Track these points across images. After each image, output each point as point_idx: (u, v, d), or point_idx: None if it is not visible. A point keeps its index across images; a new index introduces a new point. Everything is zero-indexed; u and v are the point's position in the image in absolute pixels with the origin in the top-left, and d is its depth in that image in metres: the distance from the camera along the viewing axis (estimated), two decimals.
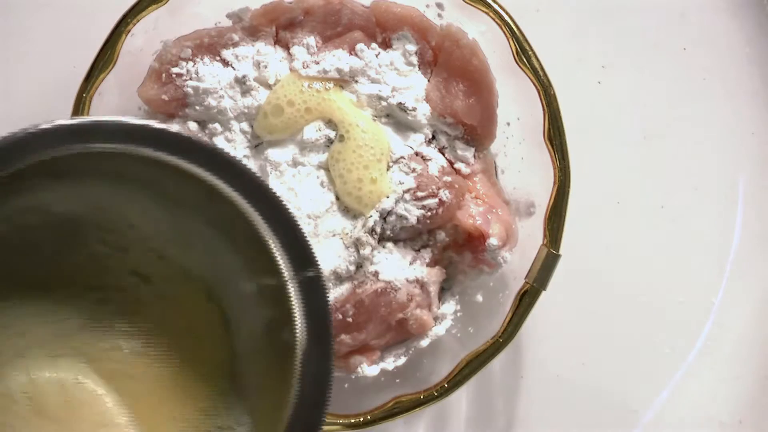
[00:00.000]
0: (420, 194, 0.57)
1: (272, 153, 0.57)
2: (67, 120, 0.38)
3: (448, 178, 0.58)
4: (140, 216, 0.43)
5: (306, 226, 0.56)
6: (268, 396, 0.41)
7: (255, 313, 0.43)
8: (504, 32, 0.57)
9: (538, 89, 0.57)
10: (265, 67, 0.57)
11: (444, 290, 0.61)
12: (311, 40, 0.58)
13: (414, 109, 0.58)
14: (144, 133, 0.38)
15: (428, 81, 0.59)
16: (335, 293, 0.57)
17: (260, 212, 0.39)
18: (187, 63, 0.57)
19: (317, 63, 0.57)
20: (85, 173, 0.41)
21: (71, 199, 0.42)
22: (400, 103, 0.57)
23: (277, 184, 0.57)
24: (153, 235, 0.44)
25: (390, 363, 0.59)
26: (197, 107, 0.57)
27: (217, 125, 0.58)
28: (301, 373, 0.39)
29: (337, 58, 0.57)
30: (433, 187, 0.57)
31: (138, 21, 0.55)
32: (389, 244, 0.58)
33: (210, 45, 0.58)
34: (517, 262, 0.59)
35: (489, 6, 0.57)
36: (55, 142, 0.37)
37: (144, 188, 0.42)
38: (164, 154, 0.38)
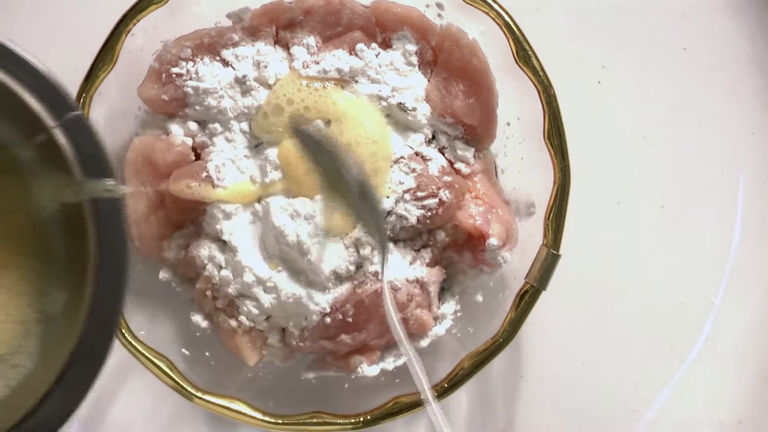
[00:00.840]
0: (420, 194, 0.57)
1: (272, 153, 0.57)
2: None
3: (448, 178, 0.58)
4: None
5: (306, 227, 0.56)
6: (75, 263, 0.43)
7: (42, 177, 0.44)
8: (504, 32, 0.57)
9: (538, 89, 0.57)
10: (265, 67, 0.57)
11: (444, 290, 0.61)
12: (311, 40, 0.58)
13: (414, 109, 0.58)
14: None
15: (428, 81, 0.59)
16: (335, 293, 0.57)
17: (8, 72, 0.41)
18: (187, 63, 0.57)
19: (317, 63, 0.57)
20: None
21: None
22: (400, 103, 0.57)
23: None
24: None
25: (390, 363, 0.59)
26: (197, 107, 0.57)
27: (217, 125, 0.58)
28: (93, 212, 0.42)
29: (337, 58, 0.57)
30: (433, 187, 0.57)
31: (138, 21, 0.55)
32: (389, 244, 0.58)
33: (210, 45, 0.58)
34: (517, 262, 0.59)
35: (489, 6, 0.57)
36: None
37: None
38: None
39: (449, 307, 0.61)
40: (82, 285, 0.42)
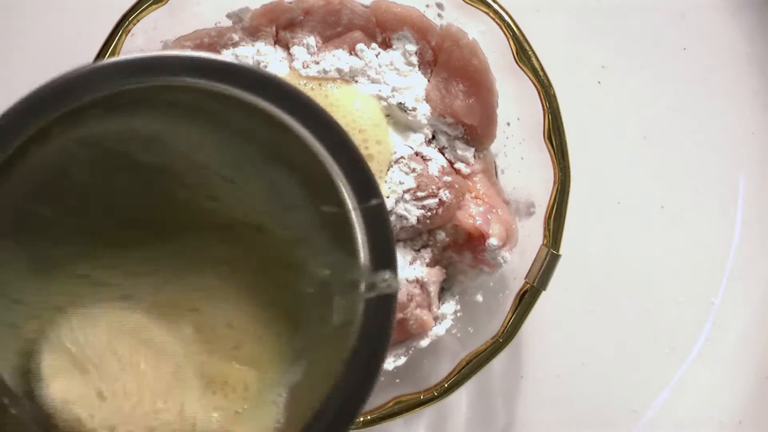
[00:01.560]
0: (420, 194, 0.57)
1: None
2: (130, 55, 0.37)
3: (448, 178, 0.58)
4: (204, 151, 0.42)
5: None
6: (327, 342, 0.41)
7: (325, 254, 0.43)
8: (504, 32, 0.57)
9: (538, 89, 0.57)
10: (265, 67, 0.57)
11: (444, 290, 0.61)
12: (311, 40, 0.58)
13: (414, 109, 0.58)
14: (210, 65, 0.38)
15: (428, 81, 0.59)
16: None
17: (323, 143, 0.39)
18: None
19: (317, 63, 0.57)
20: (151, 105, 0.40)
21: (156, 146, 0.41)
22: (400, 103, 0.57)
23: None
24: (217, 168, 0.43)
25: (390, 363, 0.59)
26: None
27: None
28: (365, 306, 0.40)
29: (337, 58, 0.57)
30: (433, 187, 0.57)
31: (138, 21, 0.55)
32: None
33: (210, 45, 0.58)
34: (517, 262, 0.59)
35: (489, 6, 0.57)
36: (120, 77, 0.37)
37: (208, 122, 0.41)
38: (229, 86, 0.38)
39: (449, 307, 0.61)
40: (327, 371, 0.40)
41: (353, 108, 0.56)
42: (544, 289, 0.56)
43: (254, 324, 0.43)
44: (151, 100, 0.40)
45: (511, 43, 0.57)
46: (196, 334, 0.43)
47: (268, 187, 0.43)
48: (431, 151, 0.59)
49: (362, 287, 0.40)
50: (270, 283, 0.43)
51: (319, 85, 0.57)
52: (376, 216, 0.40)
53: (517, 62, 0.57)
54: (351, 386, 0.40)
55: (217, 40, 0.58)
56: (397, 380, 0.60)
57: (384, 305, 0.40)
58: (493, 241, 0.57)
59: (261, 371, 0.43)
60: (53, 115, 0.37)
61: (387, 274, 0.40)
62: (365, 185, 0.40)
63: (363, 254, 0.40)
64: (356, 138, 0.56)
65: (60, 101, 0.37)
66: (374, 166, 0.56)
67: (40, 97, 0.37)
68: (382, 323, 0.40)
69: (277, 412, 0.43)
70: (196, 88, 0.38)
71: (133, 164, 0.42)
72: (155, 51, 0.49)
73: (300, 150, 0.40)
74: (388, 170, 0.57)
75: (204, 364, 0.43)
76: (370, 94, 0.57)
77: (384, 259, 0.40)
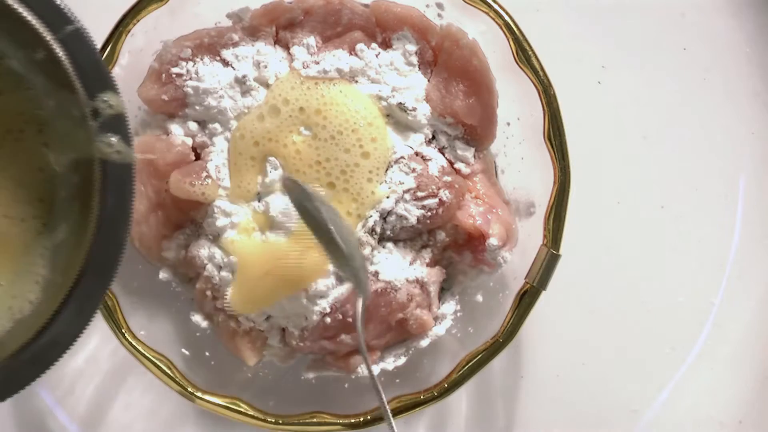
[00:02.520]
0: (420, 194, 0.57)
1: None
2: None
3: (448, 178, 0.58)
4: None
5: None
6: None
7: (49, 97, 0.44)
8: (504, 32, 0.57)
9: (538, 89, 0.57)
10: (265, 67, 0.57)
11: (444, 290, 0.61)
12: (311, 40, 0.58)
13: (414, 109, 0.58)
14: None
15: (428, 81, 0.59)
16: (335, 293, 0.57)
17: None
18: (187, 63, 0.57)
19: (317, 63, 0.57)
20: None
21: None
22: (400, 103, 0.57)
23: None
24: None
25: (390, 363, 0.59)
26: (197, 107, 0.57)
27: (217, 125, 0.58)
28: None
29: (337, 58, 0.57)
30: (433, 187, 0.57)
31: (138, 21, 0.55)
32: (389, 244, 0.58)
33: (210, 45, 0.58)
34: (517, 262, 0.59)
35: (489, 6, 0.57)
36: None
37: None
38: None
39: (449, 307, 0.61)
40: (87, 216, 0.42)
41: (347, 107, 0.56)
42: (544, 289, 0.56)
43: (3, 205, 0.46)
44: None
45: (511, 43, 0.57)
46: None
47: None
48: (431, 151, 0.59)
49: (89, 119, 0.41)
50: (10, 158, 0.46)
51: (315, 84, 0.57)
52: (77, 41, 0.41)
53: (517, 62, 0.57)
54: (100, 260, 0.42)
55: (217, 40, 0.58)
56: (397, 380, 0.60)
57: (121, 172, 0.42)
58: (493, 241, 0.57)
59: (15, 252, 0.46)
60: None
61: (117, 142, 0.42)
62: (55, 15, 0.41)
63: (78, 84, 0.42)
64: (350, 137, 0.56)
65: None
66: (371, 164, 0.56)
67: None
68: (122, 189, 0.42)
69: (35, 290, 0.45)
70: None
71: None
72: None
73: None
74: (387, 170, 0.57)
75: None
76: (367, 94, 0.57)
77: (97, 81, 0.41)
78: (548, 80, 0.57)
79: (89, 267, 0.42)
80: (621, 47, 0.67)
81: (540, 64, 0.57)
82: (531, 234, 0.58)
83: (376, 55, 0.58)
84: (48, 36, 0.41)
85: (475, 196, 0.59)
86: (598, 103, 0.67)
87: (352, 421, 0.57)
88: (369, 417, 0.57)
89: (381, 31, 0.59)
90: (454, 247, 0.60)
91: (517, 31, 0.57)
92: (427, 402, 0.57)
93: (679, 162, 0.67)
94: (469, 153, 0.59)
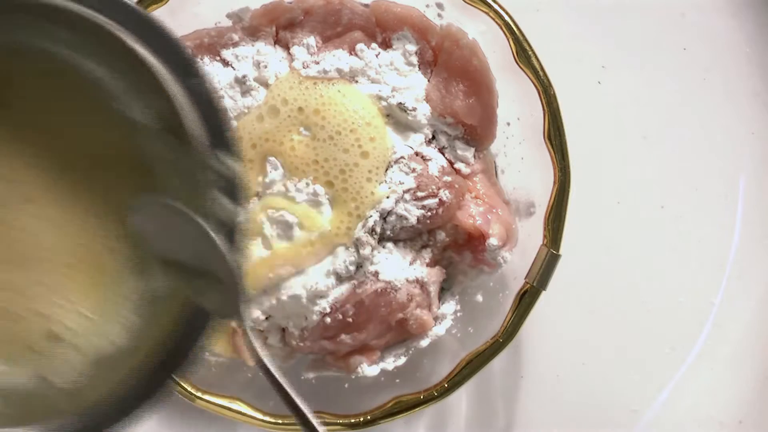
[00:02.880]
0: (420, 194, 0.57)
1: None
2: None
3: (448, 178, 0.58)
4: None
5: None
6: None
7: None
8: (504, 32, 0.57)
9: (538, 89, 0.57)
10: (265, 67, 0.57)
11: (444, 290, 0.61)
12: (311, 40, 0.58)
13: (414, 109, 0.58)
14: None
15: (428, 81, 0.59)
16: (335, 293, 0.57)
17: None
18: None
19: (317, 63, 0.57)
20: None
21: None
22: (400, 103, 0.57)
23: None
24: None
25: (390, 363, 0.59)
26: None
27: None
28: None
29: (337, 58, 0.57)
30: (433, 187, 0.57)
31: None
32: (389, 244, 0.58)
33: (210, 45, 0.58)
34: (517, 262, 0.59)
35: (489, 6, 0.57)
36: None
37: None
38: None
39: (449, 307, 0.61)
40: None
41: (345, 107, 0.56)
42: (544, 289, 0.56)
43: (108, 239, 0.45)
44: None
45: (511, 43, 0.57)
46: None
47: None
48: (431, 151, 0.59)
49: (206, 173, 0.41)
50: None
51: (314, 84, 0.57)
52: (200, 93, 0.41)
53: (517, 62, 0.57)
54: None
55: (217, 40, 0.58)
56: (397, 380, 0.60)
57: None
58: (493, 241, 0.57)
59: (108, 285, 0.45)
60: None
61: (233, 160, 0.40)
62: (184, 65, 0.41)
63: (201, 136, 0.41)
64: (349, 137, 0.56)
65: None
66: (370, 164, 0.56)
67: None
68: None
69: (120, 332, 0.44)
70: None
71: None
72: None
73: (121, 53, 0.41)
74: (387, 170, 0.57)
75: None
76: (367, 94, 0.57)
77: (217, 138, 0.41)
78: (548, 80, 0.57)
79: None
80: (621, 47, 0.67)
81: (540, 64, 0.57)
82: (531, 234, 0.58)
83: (376, 55, 0.58)
84: (177, 89, 0.41)
85: (475, 196, 0.59)
86: (598, 103, 0.67)
87: (352, 421, 0.57)
88: (369, 417, 0.57)
89: (381, 31, 0.59)
90: (454, 247, 0.60)
91: (517, 31, 0.57)
92: (427, 402, 0.57)
93: (679, 162, 0.67)
94: (469, 153, 0.59)
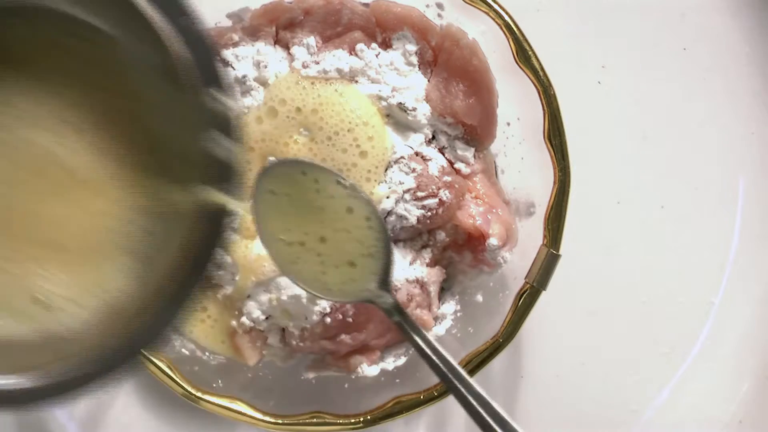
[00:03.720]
0: (420, 194, 0.57)
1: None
2: None
3: (448, 178, 0.58)
4: None
5: None
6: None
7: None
8: (504, 32, 0.57)
9: (538, 89, 0.57)
10: (265, 67, 0.57)
11: (444, 290, 0.61)
12: (311, 40, 0.58)
13: (414, 109, 0.58)
14: None
15: (428, 81, 0.59)
16: None
17: None
18: None
19: (317, 63, 0.57)
20: None
21: None
22: (400, 103, 0.57)
23: None
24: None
25: (390, 363, 0.59)
26: None
27: None
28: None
29: (337, 58, 0.57)
30: (433, 187, 0.57)
31: None
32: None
33: None
34: (517, 262, 0.59)
35: (489, 6, 0.57)
36: None
37: None
38: None
39: (449, 307, 0.61)
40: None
41: (342, 106, 0.56)
42: (544, 289, 0.56)
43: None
44: None
45: (511, 43, 0.57)
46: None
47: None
48: (431, 151, 0.59)
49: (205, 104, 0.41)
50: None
51: (311, 84, 0.57)
52: (190, 33, 0.41)
53: (517, 62, 0.57)
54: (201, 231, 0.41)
55: (217, 40, 0.58)
56: (397, 380, 0.60)
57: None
58: (493, 241, 0.57)
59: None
60: None
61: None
62: (175, 5, 0.41)
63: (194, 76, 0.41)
64: (347, 137, 0.56)
65: None
66: (369, 164, 0.56)
67: None
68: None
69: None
70: None
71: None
72: None
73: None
74: (387, 169, 0.57)
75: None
76: (367, 94, 0.57)
77: (209, 76, 0.41)
78: (548, 80, 0.57)
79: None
80: (621, 47, 0.67)
81: (540, 65, 0.57)
82: (531, 234, 0.58)
83: (376, 55, 0.58)
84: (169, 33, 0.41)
85: (475, 196, 0.59)
86: (598, 103, 0.67)
87: (352, 421, 0.57)
88: (369, 417, 0.57)
89: (381, 31, 0.59)
90: (454, 247, 0.60)
91: (517, 31, 0.57)
92: (427, 402, 0.57)
93: (679, 162, 0.67)
94: (469, 153, 0.59)
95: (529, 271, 0.57)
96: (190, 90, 0.42)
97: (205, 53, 0.41)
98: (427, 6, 0.59)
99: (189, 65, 0.41)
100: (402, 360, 0.59)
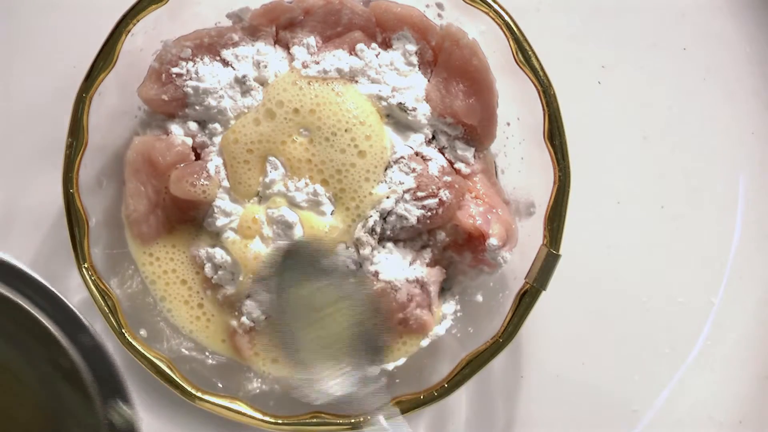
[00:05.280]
0: (420, 194, 0.57)
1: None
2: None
3: (448, 178, 0.58)
4: None
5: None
6: None
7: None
8: (504, 32, 0.57)
9: (538, 89, 0.57)
10: (265, 67, 0.57)
11: (444, 290, 0.61)
12: (311, 40, 0.58)
13: (414, 109, 0.58)
14: None
15: (428, 81, 0.59)
16: None
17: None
18: (187, 63, 0.57)
19: (317, 63, 0.57)
20: None
21: None
22: (400, 103, 0.57)
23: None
24: None
25: (390, 363, 0.59)
26: (197, 107, 0.57)
27: (217, 125, 0.58)
28: None
29: (337, 58, 0.57)
30: (433, 187, 0.57)
31: (138, 21, 0.55)
32: (389, 244, 0.58)
33: (210, 45, 0.58)
34: (517, 262, 0.59)
35: (489, 6, 0.57)
36: None
37: None
38: None
39: (449, 307, 0.61)
40: None
41: (339, 106, 0.56)
42: (544, 289, 0.56)
43: None
44: None
45: (511, 43, 0.57)
46: None
47: None
48: (431, 151, 0.59)
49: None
50: None
51: (308, 84, 0.57)
52: (96, 352, 0.48)
53: (517, 62, 0.57)
54: None
55: (217, 40, 0.58)
56: (397, 380, 0.60)
57: None
58: (493, 241, 0.57)
59: None
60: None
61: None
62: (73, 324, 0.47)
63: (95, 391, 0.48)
64: (344, 137, 0.56)
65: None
66: (368, 164, 0.56)
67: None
68: None
69: None
70: None
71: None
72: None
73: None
74: (387, 169, 0.57)
75: None
76: (367, 94, 0.57)
77: (114, 391, 0.48)
78: (548, 80, 0.57)
79: None
80: (621, 47, 0.67)
81: (540, 64, 0.57)
82: (531, 234, 0.58)
83: (376, 55, 0.58)
84: (68, 345, 0.46)
85: (475, 196, 0.59)
86: (598, 103, 0.67)
87: (352, 421, 0.57)
88: (369, 417, 0.57)
89: (381, 31, 0.59)
90: (454, 247, 0.60)
91: (517, 31, 0.57)
92: (427, 402, 0.57)
93: (679, 162, 0.67)
94: (469, 153, 0.59)
95: (529, 271, 0.57)
96: (95, 402, 0.45)
97: (108, 367, 0.45)
98: (427, 6, 0.59)
99: (89, 378, 0.44)
100: (402, 360, 0.59)
